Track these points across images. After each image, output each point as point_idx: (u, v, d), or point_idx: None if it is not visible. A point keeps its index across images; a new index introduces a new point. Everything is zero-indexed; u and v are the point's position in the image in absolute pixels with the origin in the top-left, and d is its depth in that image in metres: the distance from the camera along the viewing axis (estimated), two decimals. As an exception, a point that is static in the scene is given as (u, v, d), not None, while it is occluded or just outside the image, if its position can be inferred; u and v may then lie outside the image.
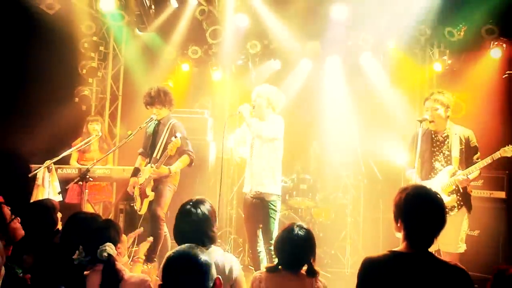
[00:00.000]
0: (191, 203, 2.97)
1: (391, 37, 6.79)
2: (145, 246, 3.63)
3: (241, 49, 7.54)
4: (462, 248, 4.33)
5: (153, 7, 6.86)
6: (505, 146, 4.22)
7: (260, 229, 4.81)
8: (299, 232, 2.91)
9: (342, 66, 7.56)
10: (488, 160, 4.27)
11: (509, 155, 4.20)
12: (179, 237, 2.90)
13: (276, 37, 7.23)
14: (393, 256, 2.39)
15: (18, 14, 6.01)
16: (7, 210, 3.34)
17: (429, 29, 6.62)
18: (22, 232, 3.32)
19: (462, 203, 4.39)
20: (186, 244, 2.21)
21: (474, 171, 4.31)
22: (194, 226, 2.88)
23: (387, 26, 6.41)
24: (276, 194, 4.80)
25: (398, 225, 2.44)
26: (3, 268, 2.23)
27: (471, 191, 4.52)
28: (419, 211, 2.39)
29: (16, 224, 3.31)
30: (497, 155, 4.22)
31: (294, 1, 6.47)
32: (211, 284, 2.02)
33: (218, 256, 2.86)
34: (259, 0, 6.60)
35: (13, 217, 3.28)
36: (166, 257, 2.09)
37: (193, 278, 2.00)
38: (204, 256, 2.07)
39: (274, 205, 4.75)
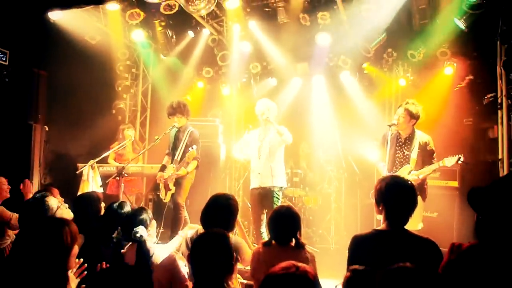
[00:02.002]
0: (224, 197, 2.97)
1: (364, 58, 6.80)
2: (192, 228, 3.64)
3: (245, 70, 7.56)
4: (420, 226, 4.33)
5: (174, 37, 6.88)
6: (447, 154, 4.29)
7: (264, 214, 4.81)
8: (282, 211, 2.90)
9: (326, 83, 7.56)
10: (432, 167, 4.33)
11: (447, 165, 4.23)
12: (209, 222, 2.86)
13: (273, 59, 7.25)
14: (376, 233, 2.39)
15: (67, 44, 6.03)
16: (53, 201, 3.28)
17: (395, 51, 6.65)
18: (70, 215, 3.30)
19: (417, 193, 4.38)
20: (216, 228, 2.22)
21: (424, 173, 4.33)
22: (226, 215, 2.89)
23: (361, 50, 6.42)
24: (280, 186, 4.83)
25: (380, 208, 2.42)
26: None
27: (427, 183, 4.51)
28: (396, 196, 2.39)
29: (63, 210, 3.28)
30: (440, 163, 4.25)
31: (287, 31, 6.47)
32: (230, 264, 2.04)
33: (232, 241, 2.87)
34: (259, 31, 6.61)
35: (60, 205, 3.26)
36: (199, 234, 2.08)
37: (222, 257, 2.03)
38: (228, 239, 2.09)
39: (277, 195, 4.78)
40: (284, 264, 1.52)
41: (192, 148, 5.15)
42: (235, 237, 2.99)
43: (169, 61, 7.47)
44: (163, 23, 6.51)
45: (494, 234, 1.81)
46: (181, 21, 6.68)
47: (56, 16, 5.64)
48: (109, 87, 7.37)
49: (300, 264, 1.51)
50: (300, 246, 2.79)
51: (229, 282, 2.61)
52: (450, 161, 4.23)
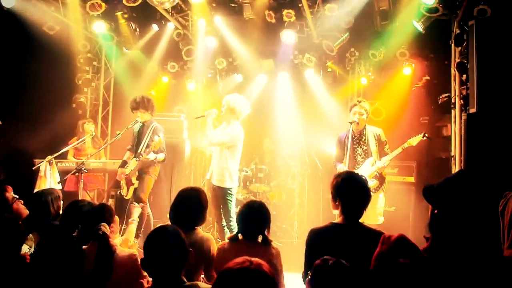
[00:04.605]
0: (192, 190, 2.89)
1: (328, 57, 6.92)
2: (131, 232, 3.55)
3: (211, 65, 7.51)
4: (381, 220, 4.46)
5: (138, 29, 6.69)
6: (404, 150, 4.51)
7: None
8: (254, 206, 2.85)
9: (291, 80, 7.64)
10: (399, 150, 4.50)
11: (413, 144, 4.43)
12: (179, 217, 2.78)
13: (238, 56, 7.25)
14: (332, 227, 2.46)
15: (23, 34, 5.73)
16: (9, 194, 3.18)
17: (357, 51, 6.81)
18: (26, 212, 3.18)
19: (379, 186, 4.55)
20: (166, 223, 2.19)
21: (390, 159, 4.52)
22: (197, 209, 2.81)
23: (325, 49, 6.52)
24: (230, 187, 4.65)
25: (336, 203, 2.48)
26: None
27: (386, 175, 4.69)
28: (351, 191, 2.45)
29: (19, 205, 3.17)
30: (405, 145, 4.44)
31: (253, 27, 6.46)
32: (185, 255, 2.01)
33: (201, 236, 2.82)
34: (225, 26, 6.57)
35: (15, 199, 3.15)
36: (150, 231, 2.05)
37: (172, 248, 1.97)
38: (178, 232, 2.05)
39: (230, 192, 4.64)
40: (238, 259, 1.52)
41: (158, 136, 5.01)
42: (207, 234, 2.94)
43: (133, 54, 7.27)
44: (126, 15, 6.31)
45: (446, 228, 1.92)
46: (145, 14, 6.51)
47: (9, 3, 5.33)
48: (68, 80, 7.07)
49: (253, 259, 1.51)
50: (267, 242, 2.77)
51: (194, 278, 2.59)
52: (415, 140, 4.44)
